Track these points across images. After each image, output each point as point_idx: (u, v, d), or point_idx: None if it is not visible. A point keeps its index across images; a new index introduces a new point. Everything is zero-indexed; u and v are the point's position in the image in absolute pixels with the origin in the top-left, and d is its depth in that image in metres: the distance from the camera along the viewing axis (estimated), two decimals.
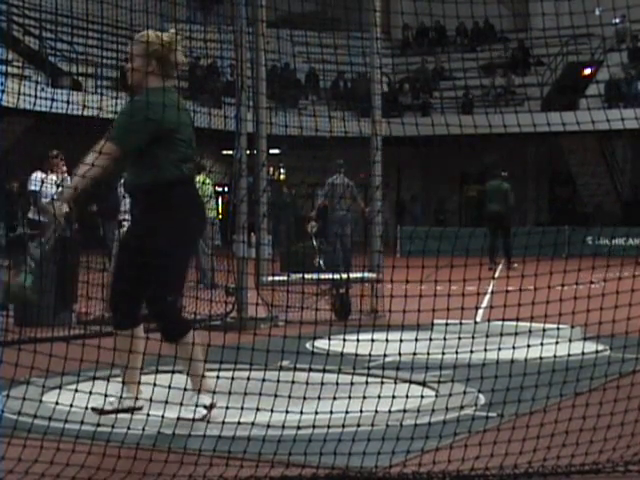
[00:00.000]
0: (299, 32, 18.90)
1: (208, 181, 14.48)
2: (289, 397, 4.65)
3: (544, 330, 5.71)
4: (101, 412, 4.89)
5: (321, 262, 12.48)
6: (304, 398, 4.66)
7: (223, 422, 4.58)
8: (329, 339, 5.22)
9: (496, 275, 6.82)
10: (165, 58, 5.05)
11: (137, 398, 5.07)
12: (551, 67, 29.22)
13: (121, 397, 5.02)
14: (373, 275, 10.08)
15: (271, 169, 14.60)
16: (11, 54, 22.62)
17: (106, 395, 4.91)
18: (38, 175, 12.66)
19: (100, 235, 14.62)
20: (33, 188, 12.21)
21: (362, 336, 5.41)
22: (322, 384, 4.74)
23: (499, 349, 5.17)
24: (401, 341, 5.11)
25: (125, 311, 5.08)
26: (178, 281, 5.12)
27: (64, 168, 12.63)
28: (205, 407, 4.95)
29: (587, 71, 28.56)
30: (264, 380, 4.70)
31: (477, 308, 6.20)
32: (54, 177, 12.51)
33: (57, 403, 4.58)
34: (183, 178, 5.02)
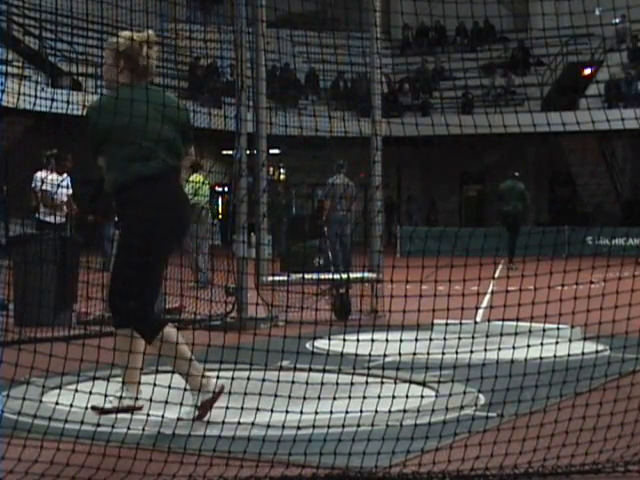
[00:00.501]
0: (299, 32, 18.91)
1: (207, 181, 14.49)
2: (289, 397, 4.65)
3: (544, 330, 5.71)
4: (101, 411, 4.88)
5: (321, 262, 12.49)
6: (304, 398, 4.66)
7: (223, 422, 4.58)
8: (329, 339, 5.22)
9: (496, 275, 6.82)
10: (134, 57, 5.05)
11: (137, 398, 5.07)
12: (551, 67, 29.24)
13: (121, 397, 5.02)
14: (373, 275, 10.08)
15: (271, 169, 14.60)
16: (11, 54, 22.62)
17: (106, 395, 4.91)
18: (40, 175, 12.68)
19: (98, 235, 14.62)
20: (46, 188, 12.24)
21: (362, 336, 5.41)
22: (322, 384, 4.74)
23: (499, 349, 5.17)
24: (401, 341, 5.11)
25: (124, 310, 5.05)
26: (143, 281, 4.94)
27: (62, 168, 12.64)
28: (197, 407, 4.93)
29: (587, 71, 28.57)
30: (264, 380, 4.70)
31: (477, 308, 6.20)
32: (54, 177, 12.52)
33: (57, 403, 4.58)
34: (140, 177, 4.93)
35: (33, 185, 12.81)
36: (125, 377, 5.04)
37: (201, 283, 12.79)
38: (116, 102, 4.89)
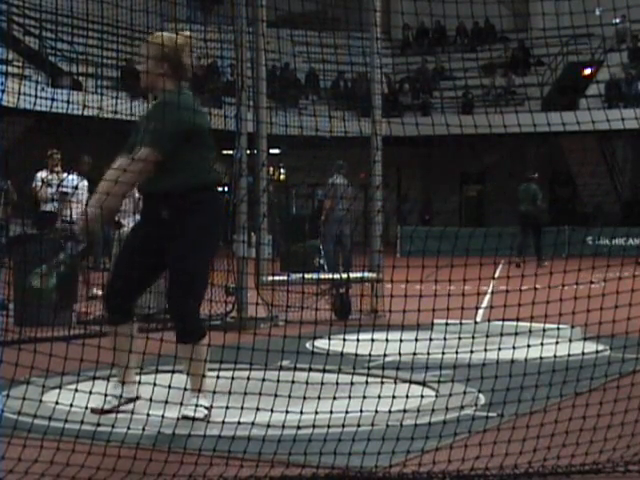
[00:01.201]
0: (299, 32, 18.91)
1: None
2: (289, 397, 4.65)
3: (544, 330, 5.71)
4: (101, 412, 4.88)
5: (322, 262, 12.49)
6: (304, 398, 4.66)
7: (223, 422, 4.58)
8: (329, 339, 5.22)
9: (496, 275, 6.82)
10: (178, 61, 5.04)
11: (137, 398, 5.08)
12: (551, 67, 29.23)
13: (121, 396, 5.03)
14: (373, 275, 10.08)
15: (271, 169, 14.60)
16: (11, 54, 22.63)
17: (106, 395, 4.91)
18: (40, 174, 12.70)
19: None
20: (64, 189, 12.26)
21: (362, 336, 5.41)
22: (322, 384, 4.74)
23: (499, 349, 5.17)
24: (401, 341, 5.11)
25: (119, 306, 5.08)
26: (202, 285, 5.09)
27: (58, 168, 12.66)
28: (206, 407, 4.95)
29: (587, 71, 28.57)
30: (264, 380, 4.70)
31: (477, 308, 6.20)
32: (54, 176, 12.54)
33: (57, 403, 4.58)
34: (213, 182, 5.07)
35: (33, 185, 12.84)
36: (122, 376, 5.05)
37: None
38: (194, 102, 5.02)
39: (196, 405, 4.93)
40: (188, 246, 4.91)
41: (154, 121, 4.96)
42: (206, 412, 4.93)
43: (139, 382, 5.10)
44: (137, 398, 5.05)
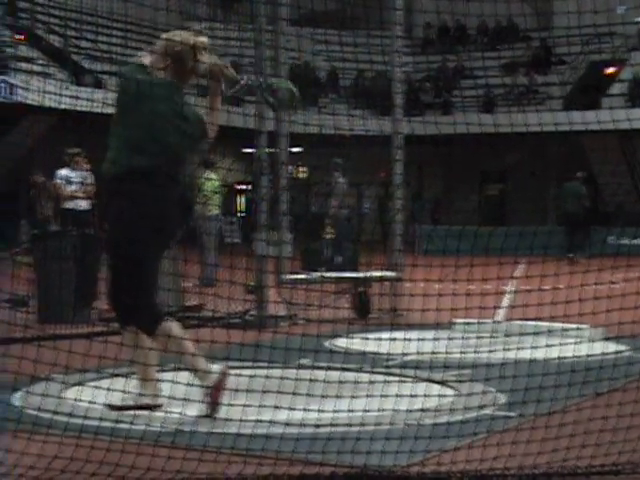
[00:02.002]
0: (319, 30, 18.91)
1: (214, 177, 14.47)
2: (308, 395, 4.66)
3: (564, 330, 5.69)
4: (119, 409, 4.90)
5: (340, 260, 12.49)
6: (323, 396, 4.67)
7: (242, 420, 4.59)
8: (348, 337, 5.22)
9: (516, 274, 6.80)
10: (182, 60, 5.00)
11: (156, 395, 5.09)
12: (573, 66, 29.09)
13: (139, 394, 5.04)
14: (393, 274, 10.06)
15: (291, 167, 14.62)
16: (35, 52, 22.76)
17: (125, 392, 4.93)
18: (62, 172, 12.78)
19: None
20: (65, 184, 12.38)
21: (381, 335, 5.40)
22: (341, 382, 4.74)
23: (518, 349, 5.16)
24: (420, 340, 5.10)
25: (125, 308, 5.01)
26: (134, 278, 4.86)
27: (85, 166, 12.74)
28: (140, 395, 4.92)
29: (609, 70, 28.42)
30: (283, 378, 4.70)
31: (497, 307, 6.19)
32: (75, 174, 12.62)
33: (77, 400, 4.60)
34: (138, 169, 4.80)
35: (54, 182, 12.93)
36: (143, 375, 5.05)
37: (205, 280, 12.41)
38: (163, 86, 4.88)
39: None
40: (111, 240, 4.87)
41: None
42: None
43: (159, 380, 5.11)
44: (158, 406, 5.02)
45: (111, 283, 4.93)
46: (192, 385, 4.68)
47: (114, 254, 4.88)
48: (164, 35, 5.12)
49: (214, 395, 4.81)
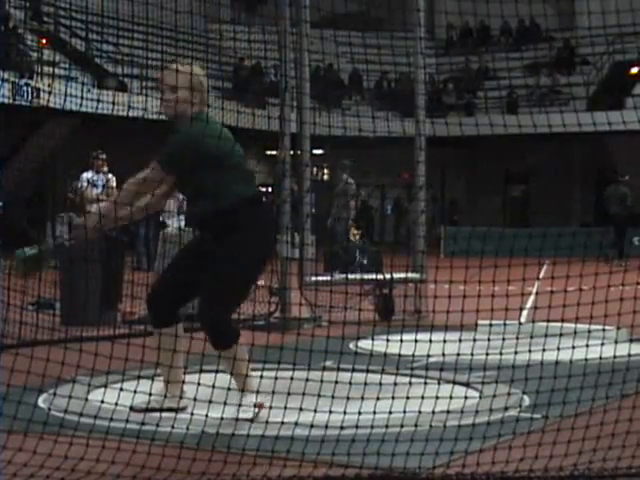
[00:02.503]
0: (343, 32, 18.91)
1: None
2: (332, 397, 4.65)
3: (589, 331, 5.66)
4: (144, 410, 4.92)
5: (364, 262, 12.48)
6: (347, 398, 4.66)
7: (267, 422, 4.59)
8: (372, 339, 5.22)
9: (541, 275, 6.77)
10: (203, 90, 5.17)
11: (181, 397, 5.10)
12: (597, 66, 28.95)
13: (165, 396, 5.05)
14: (417, 275, 10.05)
15: (314, 169, 14.65)
16: (58, 56, 22.88)
17: (150, 394, 4.94)
18: (86, 175, 12.85)
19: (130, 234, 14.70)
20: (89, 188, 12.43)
21: (405, 336, 5.39)
22: (365, 384, 4.74)
23: (544, 350, 5.14)
24: (445, 342, 5.09)
25: (162, 311, 5.10)
26: (234, 299, 5.09)
27: (105, 169, 12.80)
28: (255, 406, 4.95)
29: (634, 70, 28.25)
30: (307, 380, 4.71)
31: (522, 309, 6.16)
32: (99, 177, 12.69)
33: (102, 401, 4.62)
34: (248, 199, 5.06)
35: (79, 185, 12.99)
36: (168, 377, 5.07)
37: None
38: (220, 129, 5.10)
39: (239, 405, 4.94)
40: (224, 262, 4.96)
41: (170, 142, 5.06)
42: (254, 410, 4.93)
43: (184, 381, 5.13)
44: (182, 409, 5.04)
45: (209, 298, 4.98)
46: (217, 387, 4.68)
47: (229, 274, 4.98)
48: (173, 67, 5.16)
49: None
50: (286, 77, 9.68)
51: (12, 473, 3.87)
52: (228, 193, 4.99)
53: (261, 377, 4.84)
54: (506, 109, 28.00)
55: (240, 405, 4.92)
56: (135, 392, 4.76)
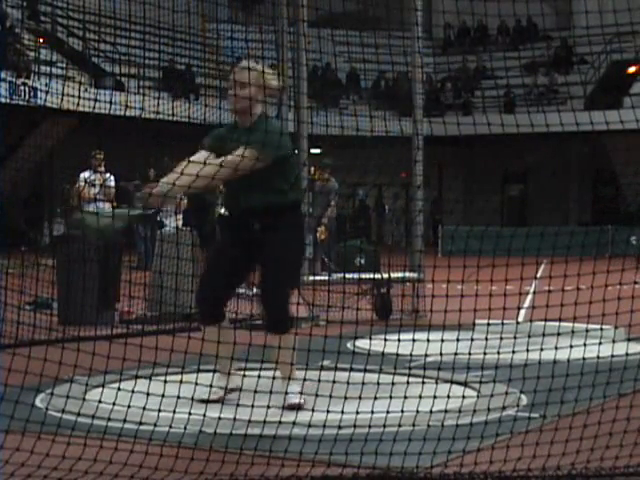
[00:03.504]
0: (340, 32, 18.89)
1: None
2: (330, 396, 4.65)
3: (587, 331, 5.66)
4: (207, 402, 5.03)
5: (362, 262, 12.47)
6: (345, 398, 4.66)
7: (264, 421, 4.59)
8: (370, 339, 5.22)
9: (539, 274, 6.77)
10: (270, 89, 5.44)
11: (227, 388, 5.28)
12: (595, 65, 28.97)
13: (226, 388, 5.24)
14: (414, 275, 10.05)
15: (312, 169, 14.64)
16: (55, 55, 22.87)
17: (148, 394, 4.94)
18: (83, 175, 12.84)
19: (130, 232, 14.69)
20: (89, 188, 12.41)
21: (403, 336, 5.39)
22: (363, 384, 4.73)
23: (541, 349, 5.14)
24: (442, 341, 5.09)
25: (213, 308, 5.42)
26: (292, 284, 5.63)
27: (102, 168, 12.79)
28: (300, 393, 5.13)
29: (631, 69, 28.28)
30: (305, 379, 4.70)
31: (519, 308, 6.16)
32: (97, 176, 12.68)
33: (100, 401, 4.62)
34: (298, 201, 5.53)
35: (77, 185, 12.98)
36: (218, 367, 5.35)
37: None
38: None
39: (286, 392, 5.12)
40: (282, 254, 5.32)
41: (261, 133, 5.22)
42: (300, 397, 5.12)
43: (229, 372, 5.32)
44: (235, 389, 5.29)
45: (270, 291, 5.35)
46: (214, 386, 4.68)
47: (291, 263, 5.43)
48: (245, 66, 5.33)
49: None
50: (284, 76, 9.67)
51: (9, 473, 3.87)
52: (291, 191, 5.34)
53: (259, 377, 4.84)
54: (504, 108, 28.01)
55: (287, 393, 5.02)
56: (133, 392, 4.75)
